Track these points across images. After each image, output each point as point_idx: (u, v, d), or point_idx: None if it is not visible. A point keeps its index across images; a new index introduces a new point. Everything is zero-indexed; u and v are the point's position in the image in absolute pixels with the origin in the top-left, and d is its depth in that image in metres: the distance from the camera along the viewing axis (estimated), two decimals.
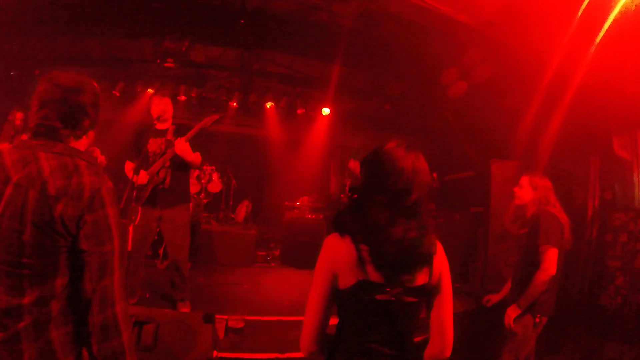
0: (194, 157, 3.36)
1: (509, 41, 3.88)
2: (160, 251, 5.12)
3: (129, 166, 3.50)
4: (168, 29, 5.57)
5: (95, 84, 1.37)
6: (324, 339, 1.29)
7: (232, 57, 6.43)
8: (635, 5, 2.80)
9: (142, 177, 3.32)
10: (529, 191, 2.69)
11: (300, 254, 6.01)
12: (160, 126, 3.50)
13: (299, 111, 7.35)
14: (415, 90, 6.87)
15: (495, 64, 4.51)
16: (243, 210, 6.80)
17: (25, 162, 1.17)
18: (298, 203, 6.71)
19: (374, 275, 1.22)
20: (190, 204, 3.85)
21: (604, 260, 3.88)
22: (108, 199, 1.22)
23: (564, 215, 2.63)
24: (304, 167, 8.06)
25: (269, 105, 7.15)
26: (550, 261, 2.44)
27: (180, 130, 3.41)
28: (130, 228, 3.29)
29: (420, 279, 1.27)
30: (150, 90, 6.46)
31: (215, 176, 6.79)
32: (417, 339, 1.31)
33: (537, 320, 2.51)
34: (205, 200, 6.70)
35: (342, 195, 6.73)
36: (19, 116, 4.35)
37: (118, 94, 6.53)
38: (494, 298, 2.97)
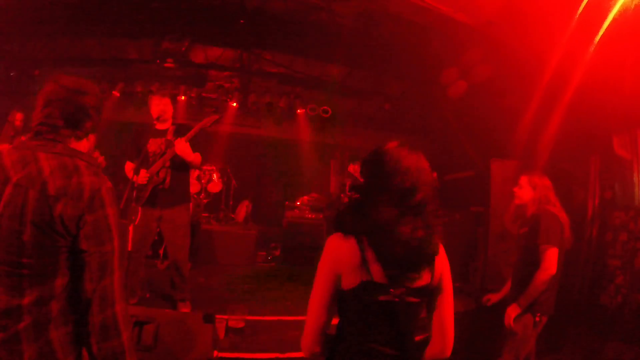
0: (194, 157, 3.36)
1: (508, 41, 3.88)
2: (161, 251, 5.12)
3: (129, 166, 3.50)
4: (168, 29, 5.58)
5: (98, 89, 1.41)
6: (326, 339, 1.29)
7: (231, 57, 6.44)
8: (635, 5, 2.80)
9: (142, 177, 3.32)
10: (529, 191, 2.69)
11: (301, 253, 6.01)
12: (160, 126, 3.50)
13: (298, 111, 7.35)
14: (415, 90, 6.87)
15: (495, 63, 4.51)
16: (243, 210, 6.80)
17: (24, 162, 1.18)
18: (298, 203, 6.71)
19: (378, 276, 1.22)
20: (191, 204, 3.85)
21: (604, 259, 3.88)
22: (108, 199, 1.23)
23: (564, 214, 2.63)
24: (304, 167, 8.06)
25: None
26: (551, 261, 2.44)
27: (180, 131, 3.41)
28: (130, 228, 3.29)
29: (423, 279, 1.27)
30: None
31: (215, 176, 6.79)
32: (417, 338, 1.31)
33: (537, 319, 2.51)
34: (205, 200, 6.70)
35: (342, 195, 6.73)
36: (18, 117, 4.35)
37: (118, 94, 6.53)
38: (494, 297, 2.97)
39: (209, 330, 2.29)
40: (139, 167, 3.26)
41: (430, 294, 1.31)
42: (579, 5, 3.02)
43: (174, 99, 6.29)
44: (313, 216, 6.49)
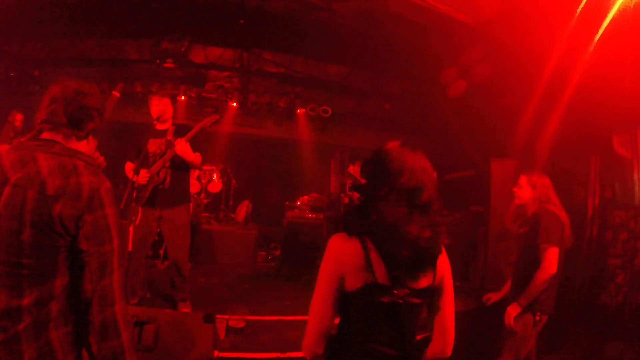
0: (194, 157, 3.36)
1: (508, 40, 3.87)
2: (161, 251, 5.13)
3: (129, 167, 3.50)
4: (167, 30, 5.57)
5: (101, 93, 1.43)
6: (328, 341, 1.28)
7: (231, 57, 6.44)
8: (634, 3, 2.80)
9: (143, 177, 3.33)
10: (528, 190, 2.69)
11: (301, 253, 6.01)
12: (160, 126, 3.50)
13: (298, 111, 7.35)
14: (414, 89, 6.87)
15: (494, 62, 4.51)
16: (243, 210, 6.80)
17: (23, 162, 1.18)
18: (298, 203, 6.71)
19: (381, 277, 1.20)
20: (191, 204, 3.85)
21: (605, 258, 3.88)
22: (107, 198, 1.23)
23: (564, 213, 2.62)
24: (304, 167, 8.06)
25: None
26: (551, 260, 2.44)
27: (180, 131, 3.42)
28: (131, 228, 3.30)
29: (426, 280, 1.27)
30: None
31: (215, 176, 6.79)
32: (418, 337, 1.31)
33: (537, 318, 2.51)
34: (205, 201, 6.71)
35: (342, 195, 6.73)
36: (18, 117, 4.35)
37: (118, 95, 6.53)
38: (494, 297, 2.97)
39: (210, 330, 2.29)
40: (139, 167, 3.26)
41: (432, 294, 1.31)
42: (579, 4, 3.02)
43: (173, 99, 6.30)
44: (313, 216, 6.49)
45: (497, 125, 4.99)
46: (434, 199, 1.25)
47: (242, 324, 3.03)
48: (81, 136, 1.32)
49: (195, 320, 2.30)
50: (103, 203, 1.21)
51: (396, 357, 1.25)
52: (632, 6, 2.82)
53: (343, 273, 1.23)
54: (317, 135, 7.90)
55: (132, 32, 5.63)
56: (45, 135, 1.28)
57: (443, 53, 4.92)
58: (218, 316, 2.63)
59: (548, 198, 2.64)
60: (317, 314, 1.25)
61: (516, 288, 2.63)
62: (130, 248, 3.35)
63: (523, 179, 2.73)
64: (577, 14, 3.06)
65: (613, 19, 2.94)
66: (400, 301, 1.21)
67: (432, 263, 1.27)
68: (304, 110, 7.26)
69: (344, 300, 1.26)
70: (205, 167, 6.61)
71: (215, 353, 2.32)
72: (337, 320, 1.33)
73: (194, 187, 6.31)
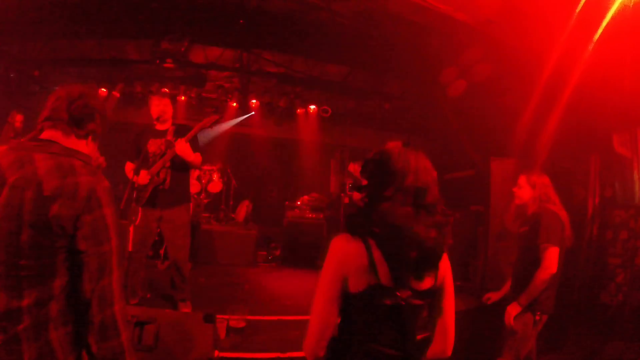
0: (194, 157, 3.36)
1: (507, 39, 3.88)
2: (161, 252, 5.13)
3: (129, 167, 3.50)
4: (167, 30, 5.57)
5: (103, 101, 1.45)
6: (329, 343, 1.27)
7: (231, 57, 6.44)
8: (633, 3, 2.80)
9: (143, 178, 3.33)
10: (528, 190, 2.69)
11: (301, 253, 6.02)
12: (160, 127, 3.50)
13: (298, 111, 7.35)
14: (414, 89, 6.86)
15: (494, 62, 4.51)
16: (243, 210, 6.81)
17: (20, 163, 1.18)
18: (298, 203, 6.71)
19: (385, 279, 1.19)
20: (191, 204, 3.85)
21: (605, 257, 3.88)
22: (104, 198, 1.22)
23: (564, 212, 2.63)
24: (304, 167, 8.06)
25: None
26: (551, 260, 2.44)
27: (180, 131, 3.42)
28: (131, 229, 3.30)
29: (429, 281, 1.26)
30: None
31: (215, 176, 6.80)
32: (418, 337, 1.31)
33: (537, 318, 2.51)
34: (205, 201, 6.71)
35: (342, 195, 6.73)
36: (18, 118, 4.35)
37: (118, 95, 6.53)
38: (494, 296, 2.97)
39: (210, 330, 2.29)
40: (139, 167, 3.26)
41: (434, 295, 1.31)
42: (578, 3, 3.02)
43: (173, 99, 6.30)
44: (313, 216, 6.49)
45: (497, 124, 4.98)
46: (438, 199, 1.26)
47: (242, 324, 3.03)
48: (81, 135, 1.32)
49: (195, 320, 2.30)
50: (101, 203, 1.20)
51: (397, 357, 1.24)
52: (631, 5, 2.82)
53: (346, 274, 1.22)
54: (317, 135, 7.90)
55: (132, 32, 5.63)
56: (45, 134, 1.28)
57: (443, 53, 4.93)
58: (218, 316, 2.63)
59: (548, 197, 2.64)
60: (320, 315, 1.23)
61: (516, 288, 2.63)
62: (130, 248, 3.35)
63: (522, 179, 2.73)
64: (576, 14, 3.06)
65: (612, 18, 2.94)
66: (403, 303, 1.21)
67: (436, 264, 1.27)
68: (304, 110, 7.26)
69: (345, 302, 1.25)
70: (205, 167, 6.61)
71: (216, 353, 2.31)
72: (337, 321, 1.33)
73: (194, 187, 6.31)
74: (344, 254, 1.23)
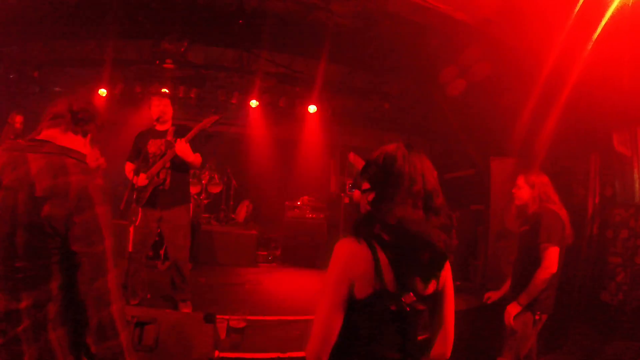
0: (194, 157, 3.36)
1: (507, 39, 3.88)
2: (161, 252, 5.13)
3: (129, 167, 3.50)
4: (167, 30, 5.57)
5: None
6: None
7: (231, 58, 6.44)
8: (632, 1, 2.80)
9: (142, 179, 3.33)
10: (527, 190, 2.69)
11: (301, 253, 6.02)
12: (160, 127, 3.50)
13: (298, 111, 7.35)
14: (414, 88, 6.86)
15: (493, 61, 4.51)
16: (243, 210, 6.81)
17: (14, 164, 1.17)
18: (298, 203, 6.71)
19: (391, 284, 1.18)
20: (191, 205, 3.86)
21: (605, 257, 3.88)
22: (96, 197, 1.19)
23: (564, 210, 2.63)
24: (304, 167, 8.06)
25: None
26: (551, 259, 2.45)
27: (180, 131, 3.42)
28: (131, 229, 3.30)
29: (433, 285, 1.26)
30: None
31: (215, 176, 6.80)
32: (419, 338, 1.31)
33: (537, 317, 2.52)
34: (205, 201, 6.71)
35: (342, 195, 6.73)
36: (18, 119, 4.35)
37: (117, 95, 6.53)
38: (494, 295, 2.97)
39: (210, 331, 2.29)
40: (139, 168, 3.27)
41: (436, 299, 1.31)
42: (577, 2, 3.03)
43: (173, 100, 6.30)
44: (313, 216, 6.49)
45: (497, 124, 4.99)
46: (444, 201, 1.25)
47: (242, 324, 3.03)
48: (79, 132, 1.32)
49: (195, 320, 2.30)
50: (92, 202, 1.18)
51: (399, 359, 1.24)
52: (630, 4, 2.82)
53: (352, 279, 1.19)
54: (317, 135, 7.90)
55: (131, 32, 5.64)
56: (43, 133, 1.28)
57: (442, 52, 4.93)
58: (218, 316, 2.63)
59: (548, 196, 2.64)
60: (324, 321, 1.20)
61: (516, 287, 2.63)
62: (130, 249, 3.36)
63: (521, 179, 2.73)
64: (575, 13, 3.06)
65: (611, 17, 2.94)
66: (408, 309, 1.20)
67: (443, 266, 1.26)
68: (303, 110, 7.26)
69: (350, 307, 1.22)
70: (205, 168, 6.62)
71: (216, 353, 2.32)
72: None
73: (194, 187, 6.32)
74: (350, 259, 1.20)
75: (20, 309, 1.11)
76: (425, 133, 7.59)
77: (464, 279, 5.10)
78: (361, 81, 7.08)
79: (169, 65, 5.93)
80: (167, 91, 6.09)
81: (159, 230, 3.55)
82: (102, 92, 6.41)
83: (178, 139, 3.29)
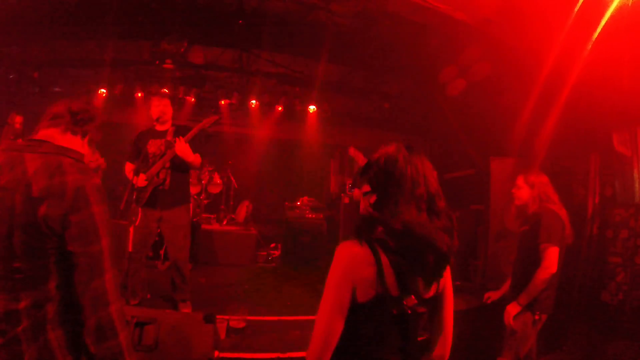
0: (194, 158, 3.36)
1: (507, 38, 3.88)
2: (161, 252, 5.13)
3: (129, 167, 3.51)
4: (166, 31, 5.58)
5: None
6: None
7: (230, 58, 6.44)
8: (632, 1, 2.80)
9: (142, 179, 3.33)
10: (526, 190, 2.69)
11: (301, 253, 6.02)
12: (159, 127, 3.51)
13: (298, 111, 7.35)
14: (414, 88, 6.87)
15: (493, 61, 4.51)
16: (243, 210, 6.81)
17: (12, 164, 1.17)
18: (298, 203, 6.71)
19: (393, 288, 1.17)
20: (191, 205, 3.86)
21: (605, 256, 3.88)
22: (93, 197, 1.19)
23: (564, 210, 2.63)
24: (304, 167, 8.07)
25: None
26: (551, 259, 2.45)
27: (179, 132, 3.42)
28: (131, 229, 3.30)
29: (434, 288, 1.26)
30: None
31: (215, 177, 6.80)
32: (419, 339, 1.31)
33: (537, 317, 2.51)
34: (205, 201, 6.71)
35: (342, 195, 6.73)
36: (18, 120, 4.35)
37: (118, 96, 6.53)
38: (494, 295, 2.98)
39: (210, 331, 2.29)
40: (139, 168, 3.27)
41: (436, 301, 1.31)
42: (577, 2, 3.03)
43: (173, 100, 6.30)
44: (313, 216, 6.49)
45: (497, 123, 4.99)
46: (445, 203, 1.25)
47: (242, 324, 3.03)
48: (77, 132, 1.32)
49: (195, 320, 2.30)
50: (89, 202, 1.17)
51: None
52: (629, 4, 2.82)
53: (354, 283, 1.18)
54: (317, 135, 7.90)
55: (131, 33, 5.64)
56: (40, 133, 1.28)
57: (442, 52, 4.93)
58: (218, 316, 2.63)
59: (547, 196, 2.64)
60: (326, 324, 1.19)
61: (516, 287, 2.63)
62: (130, 249, 3.36)
63: (520, 179, 2.74)
64: (575, 12, 3.06)
65: (611, 16, 2.94)
66: (409, 312, 1.20)
67: (445, 269, 1.26)
68: (303, 110, 7.26)
69: (352, 312, 1.21)
70: (205, 168, 6.62)
71: (216, 353, 2.32)
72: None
73: (194, 187, 6.32)
74: (352, 262, 1.19)
75: (20, 309, 1.11)
76: (425, 133, 7.59)
77: (464, 279, 5.09)
78: (361, 81, 7.08)
79: (168, 65, 5.93)
80: (166, 91, 6.10)
81: (159, 230, 3.55)
82: (102, 92, 6.41)
83: (178, 139, 3.29)
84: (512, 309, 2.50)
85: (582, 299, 3.93)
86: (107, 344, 1.17)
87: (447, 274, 1.32)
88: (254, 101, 7.08)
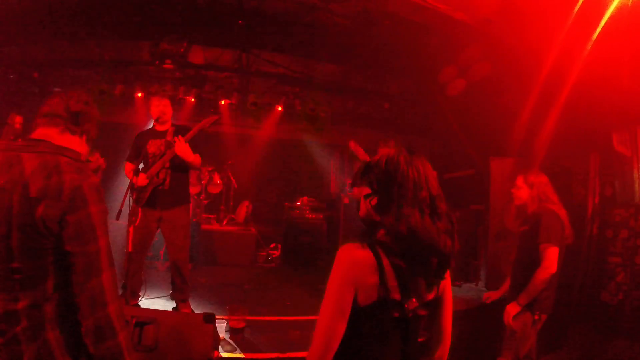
0: (194, 158, 3.36)
1: (506, 38, 3.88)
2: (161, 252, 5.13)
3: (129, 167, 3.51)
4: (166, 31, 5.58)
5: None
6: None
7: (230, 58, 6.44)
8: (632, 1, 2.80)
9: (142, 179, 3.33)
10: (526, 190, 2.70)
11: (301, 254, 6.02)
12: (159, 127, 3.50)
13: (297, 111, 7.35)
14: (413, 88, 6.87)
15: (493, 61, 4.52)
16: (243, 210, 6.81)
17: (9, 165, 1.16)
18: (298, 203, 6.71)
19: (394, 291, 1.17)
20: (191, 205, 3.85)
21: (605, 256, 3.88)
22: (90, 196, 1.18)
23: (564, 210, 2.63)
24: (304, 167, 8.06)
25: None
26: (551, 259, 2.45)
27: (179, 132, 3.42)
28: (131, 229, 3.30)
29: (435, 290, 1.26)
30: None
31: (215, 177, 6.80)
32: (419, 340, 1.31)
33: (537, 317, 2.52)
34: (205, 201, 6.71)
35: (342, 195, 6.73)
36: (18, 120, 4.34)
37: (118, 96, 6.52)
38: (493, 295, 2.98)
39: (210, 331, 2.29)
40: (139, 168, 3.27)
41: (436, 304, 1.31)
42: (576, 2, 3.03)
43: (173, 100, 6.30)
44: (313, 216, 6.49)
45: (497, 123, 4.99)
46: (447, 205, 1.25)
47: (242, 324, 3.03)
48: (76, 131, 1.31)
49: (195, 320, 2.30)
50: (86, 201, 1.17)
51: None
52: (629, 4, 2.82)
53: (355, 286, 1.17)
54: (317, 135, 7.90)
55: (131, 33, 5.64)
56: (38, 132, 1.27)
57: (442, 52, 4.93)
58: (218, 316, 2.63)
59: (547, 196, 2.64)
60: (327, 327, 1.18)
61: (515, 287, 2.63)
62: (130, 249, 3.35)
63: (520, 179, 2.74)
64: (575, 12, 3.06)
65: (611, 16, 2.95)
66: (410, 315, 1.20)
67: (446, 272, 1.26)
68: (303, 110, 7.26)
69: (353, 316, 1.21)
70: (205, 168, 6.62)
71: (215, 353, 2.32)
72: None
73: (194, 188, 6.32)
74: (353, 265, 1.18)
75: (19, 309, 1.11)
76: (425, 133, 7.59)
77: (464, 279, 5.10)
78: (361, 81, 7.08)
79: (168, 65, 5.93)
80: (166, 91, 6.09)
81: (158, 231, 3.55)
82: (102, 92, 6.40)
83: (177, 139, 3.29)
84: (512, 309, 2.50)
85: (582, 299, 3.93)
86: (106, 344, 1.16)
87: (447, 275, 1.31)
88: (254, 101, 7.07)
